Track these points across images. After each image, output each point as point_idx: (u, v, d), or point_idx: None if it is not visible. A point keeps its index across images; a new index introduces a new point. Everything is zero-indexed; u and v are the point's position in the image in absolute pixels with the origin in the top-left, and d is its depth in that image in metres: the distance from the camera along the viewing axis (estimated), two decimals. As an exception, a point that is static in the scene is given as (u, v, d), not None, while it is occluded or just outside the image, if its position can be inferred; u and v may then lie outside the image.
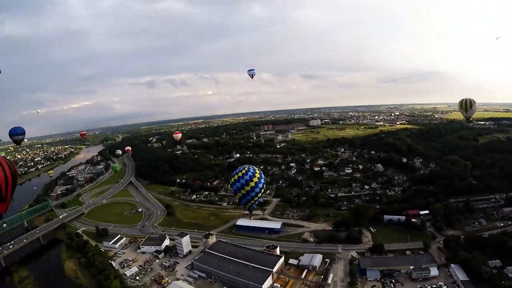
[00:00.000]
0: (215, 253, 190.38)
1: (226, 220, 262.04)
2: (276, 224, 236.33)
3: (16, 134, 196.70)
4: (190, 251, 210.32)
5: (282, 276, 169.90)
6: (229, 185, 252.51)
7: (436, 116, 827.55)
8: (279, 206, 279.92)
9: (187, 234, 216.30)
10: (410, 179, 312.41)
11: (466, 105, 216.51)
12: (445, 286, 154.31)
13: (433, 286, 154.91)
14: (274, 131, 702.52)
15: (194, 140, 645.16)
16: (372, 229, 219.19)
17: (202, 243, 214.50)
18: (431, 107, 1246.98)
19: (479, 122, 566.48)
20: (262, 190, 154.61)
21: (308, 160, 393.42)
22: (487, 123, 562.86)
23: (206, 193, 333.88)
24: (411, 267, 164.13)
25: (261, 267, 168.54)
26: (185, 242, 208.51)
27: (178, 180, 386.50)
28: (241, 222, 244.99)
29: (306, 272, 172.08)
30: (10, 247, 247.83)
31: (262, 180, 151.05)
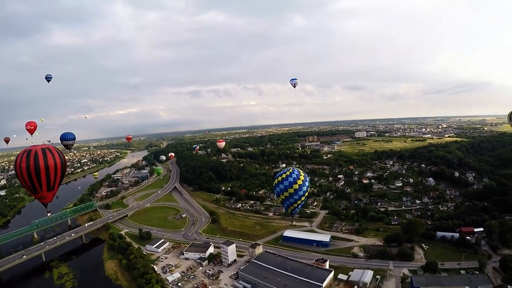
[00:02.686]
0: (262, 264, 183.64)
1: (272, 230, 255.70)
2: (324, 237, 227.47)
3: (67, 139, 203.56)
4: (235, 260, 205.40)
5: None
6: (274, 195, 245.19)
7: (485, 128, 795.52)
8: (327, 218, 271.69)
9: (233, 242, 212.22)
10: (463, 194, 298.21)
11: None
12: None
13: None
14: (319, 142, 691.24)
15: (239, 149, 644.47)
16: (424, 246, 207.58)
17: (248, 253, 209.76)
18: (479, 119, 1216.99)
19: None
20: (306, 194, 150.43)
21: (357, 172, 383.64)
22: None
23: (252, 202, 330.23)
24: None
25: (310, 281, 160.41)
26: (231, 251, 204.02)
27: (223, 188, 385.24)
28: (288, 233, 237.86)
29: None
30: (53, 243, 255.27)
31: (307, 183, 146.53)
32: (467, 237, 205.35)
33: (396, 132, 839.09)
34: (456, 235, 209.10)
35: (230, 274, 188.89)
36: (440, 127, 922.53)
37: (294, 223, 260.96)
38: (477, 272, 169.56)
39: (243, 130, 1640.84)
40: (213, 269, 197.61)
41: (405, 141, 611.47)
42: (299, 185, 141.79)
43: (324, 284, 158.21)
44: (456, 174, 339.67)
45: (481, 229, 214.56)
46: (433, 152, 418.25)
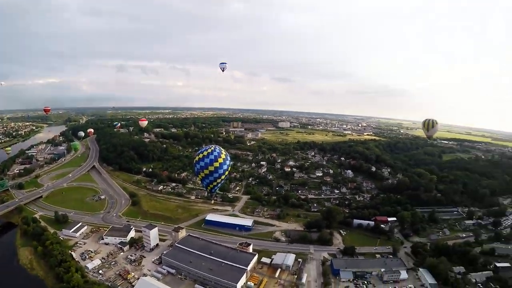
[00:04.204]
0: (186, 248, 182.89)
1: (194, 214, 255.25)
2: (247, 221, 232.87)
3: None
4: (157, 245, 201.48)
5: (255, 275, 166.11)
6: (198, 179, 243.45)
7: (402, 131, 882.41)
8: (249, 203, 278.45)
9: (155, 226, 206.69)
10: (378, 187, 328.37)
11: (429, 125, 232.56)
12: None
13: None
14: (243, 129, 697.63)
15: (162, 129, 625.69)
16: (342, 232, 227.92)
17: (171, 237, 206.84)
18: (397, 122, 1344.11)
19: (443, 141, 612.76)
20: (227, 173, 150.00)
21: (279, 160, 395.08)
22: (450, 142, 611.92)
23: (174, 184, 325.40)
24: (382, 270, 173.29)
25: (235, 264, 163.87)
26: (153, 235, 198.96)
27: (144, 169, 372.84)
28: (210, 217, 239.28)
29: (280, 271, 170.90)
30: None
31: (228, 162, 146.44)
32: (382, 225, 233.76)
33: (318, 126, 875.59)
34: (372, 223, 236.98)
35: (153, 259, 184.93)
36: (360, 125, 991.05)
37: (216, 207, 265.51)
38: (391, 256, 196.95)
39: (167, 111, 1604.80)
40: (135, 254, 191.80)
41: (326, 135, 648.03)
42: (219, 163, 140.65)
43: (249, 267, 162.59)
44: (373, 168, 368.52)
45: (394, 218, 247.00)
46: (352, 147, 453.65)
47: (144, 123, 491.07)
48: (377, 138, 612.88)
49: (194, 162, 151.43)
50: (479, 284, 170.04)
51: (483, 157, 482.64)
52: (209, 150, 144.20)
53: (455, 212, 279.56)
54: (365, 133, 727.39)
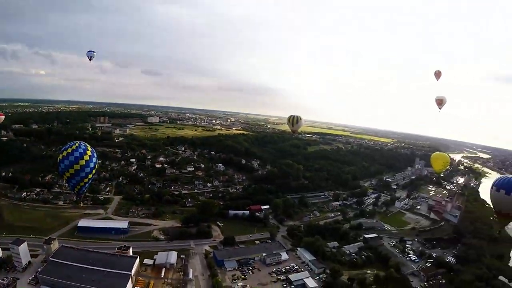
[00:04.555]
0: (62, 261, 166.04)
1: (65, 221, 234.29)
2: (122, 224, 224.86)
3: None
4: (29, 262, 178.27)
5: (141, 278, 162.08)
6: (64, 181, 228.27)
7: (268, 126, 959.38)
8: (122, 204, 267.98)
9: (24, 240, 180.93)
10: (250, 178, 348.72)
11: (293, 120, 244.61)
12: (297, 267, 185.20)
13: (286, 267, 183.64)
14: (110, 124, 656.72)
15: (21, 125, 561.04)
16: (220, 224, 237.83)
17: (43, 251, 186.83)
18: (264, 118, 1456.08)
19: (307, 135, 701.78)
20: (94, 171, 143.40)
21: (149, 157, 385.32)
22: (313, 136, 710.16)
23: (38, 190, 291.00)
24: (264, 254, 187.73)
25: (118, 271, 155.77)
26: (23, 251, 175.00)
27: (3, 173, 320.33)
28: (83, 223, 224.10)
29: (165, 271, 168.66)
30: None
31: (94, 159, 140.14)
32: (256, 214, 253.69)
33: (188, 121, 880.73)
34: (247, 212, 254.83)
35: (28, 280, 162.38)
36: (229, 120, 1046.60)
37: (88, 211, 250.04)
38: (269, 241, 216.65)
39: (27, 104, 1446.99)
40: (7, 277, 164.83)
41: (196, 130, 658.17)
42: (86, 160, 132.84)
43: (133, 271, 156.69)
44: (243, 161, 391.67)
45: (268, 206, 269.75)
46: (222, 142, 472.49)
47: (1, 118, 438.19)
48: (245, 132, 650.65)
49: (58, 161, 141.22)
50: (353, 254, 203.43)
51: (343, 148, 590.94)
52: (74, 147, 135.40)
53: (323, 196, 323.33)
54: (234, 128, 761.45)
